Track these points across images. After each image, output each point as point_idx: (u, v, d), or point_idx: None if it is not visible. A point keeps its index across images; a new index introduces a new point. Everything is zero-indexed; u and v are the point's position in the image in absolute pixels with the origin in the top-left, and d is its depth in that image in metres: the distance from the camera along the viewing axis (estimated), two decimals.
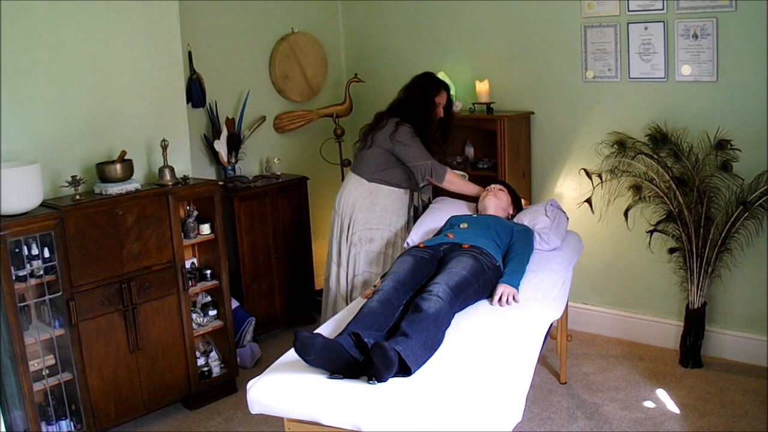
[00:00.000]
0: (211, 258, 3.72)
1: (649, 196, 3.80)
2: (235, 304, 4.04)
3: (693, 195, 3.58)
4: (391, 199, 3.78)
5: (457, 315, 2.66)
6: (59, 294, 3.03)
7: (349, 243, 3.81)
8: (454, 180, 3.73)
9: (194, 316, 3.64)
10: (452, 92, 4.41)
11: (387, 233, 3.78)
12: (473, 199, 3.75)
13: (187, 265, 3.60)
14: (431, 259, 2.95)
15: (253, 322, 4.14)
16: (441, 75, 4.41)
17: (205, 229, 3.63)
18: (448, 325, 2.54)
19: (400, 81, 4.76)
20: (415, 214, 3.90)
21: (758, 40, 3.46)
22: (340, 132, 4.80)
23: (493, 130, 4.06)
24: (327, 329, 2.65)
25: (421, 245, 3.08)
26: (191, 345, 3.53)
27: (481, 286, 2.80)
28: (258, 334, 4.24)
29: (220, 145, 4.26)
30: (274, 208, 4.34)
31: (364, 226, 3.78)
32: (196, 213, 3.63)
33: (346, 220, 3.82)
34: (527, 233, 3.25)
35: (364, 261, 3.79)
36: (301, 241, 4.55)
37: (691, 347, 3.76)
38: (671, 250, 3.82)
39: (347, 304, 3.81)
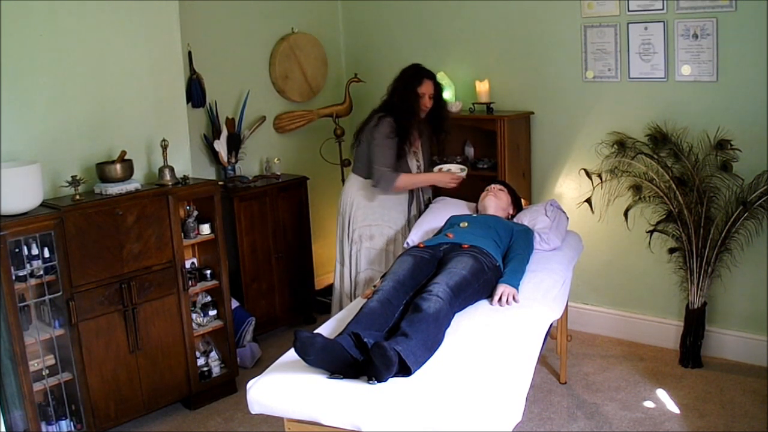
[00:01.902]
0: (211, 258, 3.72)
1: (649, 196, 3.80)
2: (235, 304, 4.04)
3: (693, 195, 3.58)
4: (388, 195, 3.77)
5: (457, 315, 2.66)
6: (59, 294, 3.03)
7: (350, 241, 3.82)
8: (406, 183, 3.68)
9: (194, 316, 3.64)
10: (445, 87, 4.39)
11: (387, 230, 3.78)
12: (473, 199, 3.75)
13: (187, 265, 3.60)
14: (431, 258, 2.96)
15: (253, 322, 4.14)
16: (441, 75, 4.41)
17: (205, 229, 3.63)
18: (448, 325, 2.54)
19: None
20: (419, 214, 3.88)
21: (758, 40, 3.46)
22: (340, 132, 4.80)
23: (493, 130, 4.06)
24: (327, 329, 2.65)
25: (421, 245, 3.08)
26: (191, 345, 3.53)
27: (481, 285, 2.80)
28: (258, 334, 4.24)
29: (220, 145, 4.26)
30: (274, 208, 4.34)
31: (362, 223, 3.78)
32: (196, 213, 3.63)
33: (346, 219, 3.82)
34: (527, 233, 3.25)
35: (365, 258, 3.79)
36: (301, 241, 4.55)
37: (691, 347, 3.76)
38: (671, 250, 3.82)
39: (352, 302, 3.82)
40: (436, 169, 3.81)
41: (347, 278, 3.87)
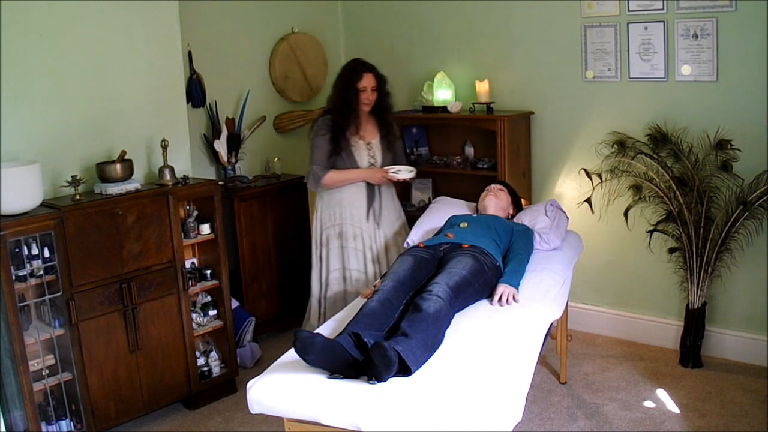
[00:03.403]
0: (211, 258, 3.72)
1: (649, 196, 3.80)
2: (235, 304, 4.04)
3: (693, 195, 3.58)
4: (342, 192, 3.75)
5: (457, 315, 2.66)
6: (59, 294, 3.03)
7: (320, 243, 3.83)
8: (334, 179, 3.69)
9: (194, 316, 3.64)
10: (446, 87, 4.40)
11: (350, 228, 3.76)
12: (473, 199, 3.75)
13: (187, 265, 3.60)
14: (431, 258, 2.96)
15: (253, 322, 4.14)
16: (441, 75, 4.42)
17: (205, 229, 3.63)
18: (448, 324, 2.54)
19: (400, 81, 4.77)
20: (380, 209, 3.86)
21: (758, 40, 3.46)
22: None
23: (493, 130, 4.06)
24: (327, 329, 2.65)
25: (421, 245, 3.08)
26: (191, 345, 3.53)
27: (481, 285, 2.81)
28: (258, 334, 4.24)
29: (220, 145, 4.26)
30: (274, 208, 4.34)
31: (327, 224, 3.79)
32: (196, 213, 3.63)
33: (317, 223, 3.85)
34: (527, 233, 3.25)
35: (335, 258, 3.79)
36: (301, 240, 4.54)
37: (691, 347, 3.76)
38: (671, 250, 3.82)
39: (320, 305, 3.85)
40: (385, 168, 3.75)
41: (315, 281, 3.88)
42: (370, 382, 2.20)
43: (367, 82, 3.66)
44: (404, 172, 3.70)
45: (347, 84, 3.66)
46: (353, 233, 3.76)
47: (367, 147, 3.76)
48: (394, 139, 3.84)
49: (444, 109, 4.36)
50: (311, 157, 3.73)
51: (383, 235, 3.82)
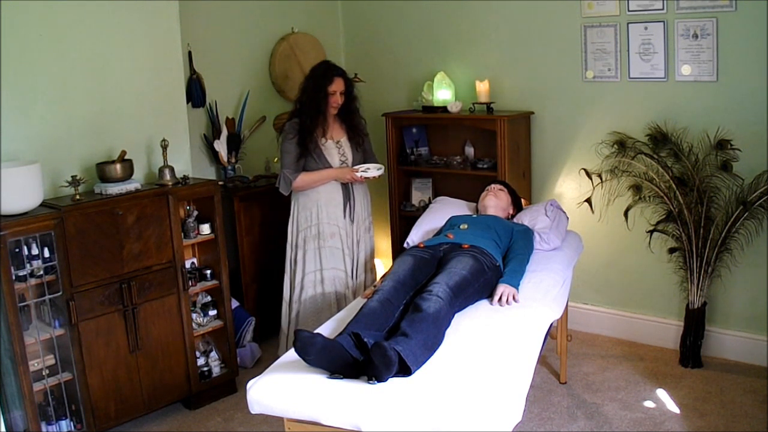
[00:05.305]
0: (211, 258, 3.72)
1: (649, 196, 3.80)
2: (235, 304, 4.04)
3: (693, 195, 3.58)
4: (319, 192, 3.77)
5: (457, 315, 2.66)
6: (59, 294, 3.03)
7: (295, 245, 3.84)
8: (305, 182, 3.71)
9: (194, 316, 3.64)
10: (446, 87, 4.40)
11: (327, 227, 3.77)
12: (473, 199, 3.75)
13: (187, 265, 3.60)
14: (431, 259, 2.96)
15: (253, 322, 4.14)
16: (441, 75, 4.42)
17: (205, 229, 3.63)
18: (448, 324, 2.54)
19: (400, 81, 4.77)
20: (353, 207, 3.87)
21: (758, 40, 3.46)
22: None
23: (493, 130, 4.06)
24: (327, 329, 2.65)
25: (421, 245, 3.09)
26: (191, 345, 3.53)
27: (481, 285, 2.81)
28: (258, 334, 4.24)
29: (220, 145, 4.26)
30: (274, 208, 4.34)
31: (304, 225, 3.80)
32: (196, 213, 3.63)
33: (293, 226, 3.86)
34: (527, 233, 3.25)
35: (311, 260, 3.80)
36: None
37: (691, 347, 3.76)
38: (671, 250, 3.82)
39: (290, 308, 3.86)
40: (354, 167, 3.78)
41: (287, 284, 3.88)
42: (370, 382, 2.20)
43: (338, 86, 3.69)
44: (373, 170, 3.75)
45: (318, 87, 3.68)
46: (330, 232, 3.77)
47: (337, 146, 3.79)
48: (362, 138, 3.88)
49: (444, 109, 4.36)
50: (281, 162, 3.75)
51: (355, 230, 3.85)
